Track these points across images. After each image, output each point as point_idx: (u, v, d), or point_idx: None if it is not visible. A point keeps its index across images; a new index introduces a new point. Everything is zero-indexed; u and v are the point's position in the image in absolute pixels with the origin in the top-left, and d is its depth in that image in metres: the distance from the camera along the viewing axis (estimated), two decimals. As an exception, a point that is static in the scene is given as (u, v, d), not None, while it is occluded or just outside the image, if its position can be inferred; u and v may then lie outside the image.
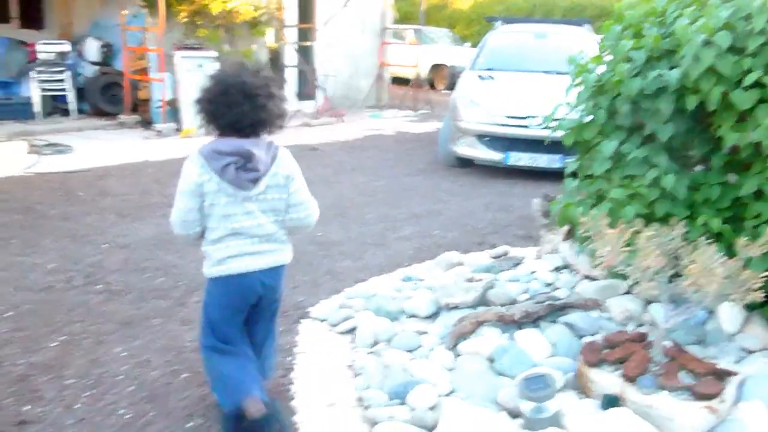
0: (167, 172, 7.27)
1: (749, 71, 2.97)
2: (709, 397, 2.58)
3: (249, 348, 2.71)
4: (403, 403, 2.85)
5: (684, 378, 2.70)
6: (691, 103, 3.17)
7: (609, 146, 3.54)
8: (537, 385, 2.58)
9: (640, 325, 3.46)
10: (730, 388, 2.69)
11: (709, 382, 2.65)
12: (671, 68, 3.30)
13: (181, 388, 3.04)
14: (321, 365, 3.28)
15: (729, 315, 3.32)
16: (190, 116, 9.53)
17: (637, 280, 2.71)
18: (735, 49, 3.04)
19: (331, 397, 2.96)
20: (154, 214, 5.75)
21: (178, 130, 9.55)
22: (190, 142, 8.94)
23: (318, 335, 3.61)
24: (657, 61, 3.39)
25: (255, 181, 2.53)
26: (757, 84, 2.98)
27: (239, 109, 2.48)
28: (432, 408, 2.78)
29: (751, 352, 3.19)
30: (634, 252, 2.73)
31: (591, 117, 3.82)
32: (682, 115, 3.36)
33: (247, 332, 2.74)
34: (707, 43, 3.04)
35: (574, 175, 4.09)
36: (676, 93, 3.25)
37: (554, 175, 7.34)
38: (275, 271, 2.69)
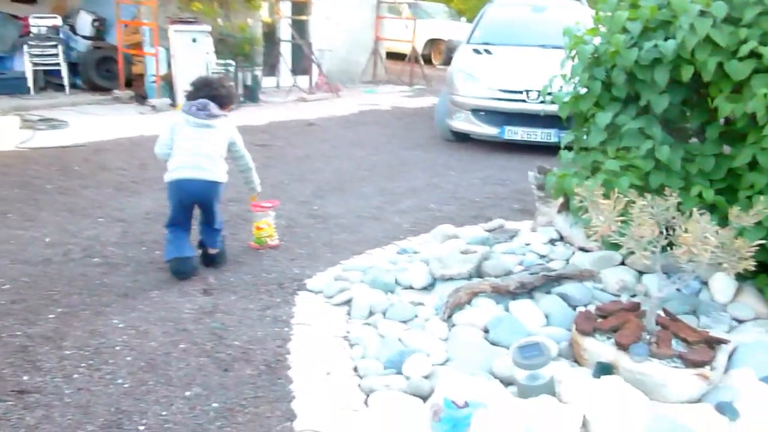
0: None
1: (745, 41, 2.97)
2: (700, 364, 2.62)
3: (189, 228, 4.09)
4: (398, 373, 2.88)
5: (676, 346, 2.74)
6: (687, 73, 3.18)
7: (604, 118, 3.55)
8: (531, 353, 2.61)
9: (634, 295, 3.50)
10: (722, 356, 2.73)
11: (701, 349, 2.69)
12: (667, 39, 3.29)
13: (180, 357, 3.06)
14: (317, 336, 3.30)
15: (721, 285, 3.37)
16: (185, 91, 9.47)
17: (631, 250, 2.73)
18: (731, 20, 3.05)
19: (328, 367, 2.99)
20: (151, 188, 5.75)
21: (173, 105, 9.48)
22: (186, 117, 8.91)
23: (314, 307, 3.63)
24: (653, 32, 3.39)
25: (208, 116, 4.00)
26: (753, 54, 2.98)
27: (204, 90, 4.14)
28: (427, 377, 2.81)
29: (741, 321, 3.24)
30: (627, 222, 2.75)
31: (586, 89, 3.82)
32: (677, 87, 3.37)
33: (201, 217, 4.14)
34: (703, 14, 3.04)
35: (569, 147, 4.10)
36: (671, 64, 3.25)
37: (552, 149, 7.33)
38: (210, 184, 3.97)
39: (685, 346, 2.76)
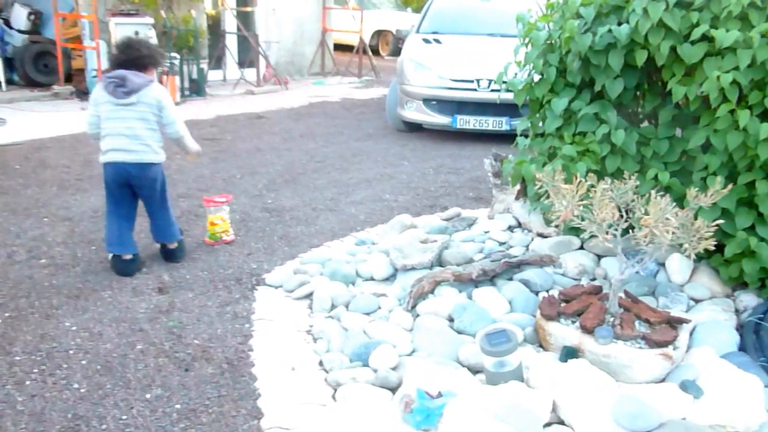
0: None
1: (696, 25, 3.01)
2: (663, 344, 2.65)
3: (130, 217, 3.95)
4: (365, 365, 2.84)
5: (639, 327, 2.77)
6: (641, 58, 3.21)
7: (560, 104, 3.56)
8: (498, 340, 2.60)
9: (593, 279, 3.54)
10: (683, 335, 2.77)
11: (663, 330, 2.73)
12: (619, 24, 3.32)
13: (138, 359, 2.96)
14: (279, 331, 3.23)
15: (678, 266, 3.42)
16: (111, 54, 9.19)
17: (592, 234, 2.74)
18: (682, 4, 3.08)
19: (292, 362, 2.92)
20: (96, 185, 5.56)
21: (117, 100, 9.19)
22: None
23: (274, 302, 3.56)
24: (605, 17, 3.41)
25: (127, 93, 3.75)
26: (704, 38, 3.03)
27: (126, 52, 3.88)
28: (394, 368, 2.78)
29: (698, 301, 3.30)
30: (588, 206, 2.77)
31: (540, 76, 3.83)
32: (630, 71, 3.40)
33: (145, 208, 4.00)
34: (655, -2, 3.06)
35: (525, 134, 4.11)
36: (625, 49, 3.28)
37: (503, 138, 7.40)
38: (141, 166, 3.82)
39: (648, 326, 2.79)
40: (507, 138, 7.44)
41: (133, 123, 3.78)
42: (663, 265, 3.50)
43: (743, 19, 2.92)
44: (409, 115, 7.79)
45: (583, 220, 2.78)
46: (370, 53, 13.58)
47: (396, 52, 16.57)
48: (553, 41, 3.68)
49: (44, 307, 3.43)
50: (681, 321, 2.82)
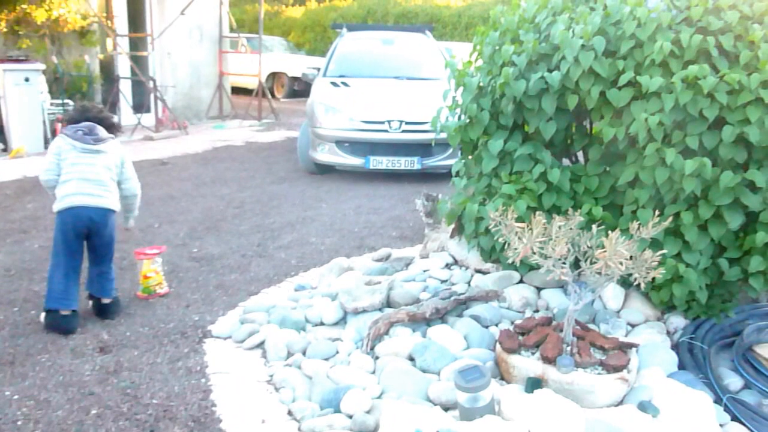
0: (4, 195, 6.65)
1: (623, 72, 3.29)
2: (620, 368, 2.83)
3: (78, 269, 3.82)
4: (336, 411, 2.85)
5: (595, 354, 2.94)
6: (572, 102, 3.45)
7: (496, 145, 3.75)
8: (472, 376, 2.68)
9: (536, 310, 3.71)
10: (634, 359, 2.96)
11: (617, 355, 2.91)
12: (549, 71, 3.56)
13: (96, 424, 2.81)
14: (239, 383, 3.17)
15: (612, 294, 3.66)
16: (20, 134, 8.76)
17: (549, 269, 2.90)
18: (608, 52, 3.36)
19: (261, 415, 2.88)
20: (2, 241, 5.24)
21: (6, 150, 8.73)
22: (23, 163, 8.23)
23: (226, 353, 3.49)
24: (536, 64, 3.65)
25: (96, 141, 3.86)
26: (629, 83, 3.31)
27: (93, 111, 4.02)
28: (368, 411, 2.80)
29: (634, 325, 3.54)
30: (543, 242, 2.93)
31: (471, 119, 4.01)
32: (561, 114, 3.64)
33: (92, 258, 3.92)
34: (584, 47, 3.32)
35: (457, 174, 4.28)
36: (557, 93, 3.52)
37: (412, 177, 7.60)
38: (104, 212, 3.81)
39: (602, 353, 2.97)
40: (418, 176, 7.67)
41: (99, 169, 3.83)
42: (594, 293, 3.72)
43: (663, 66, 3.22)
44: (321, 158, 7.84)
45: (543, 256, 2.93)
46: (270, 95, 13.58)
47: (292, 94, 16.68)
48: (484, 86, 3.88)
49: (-24, 376, 3.20)
50: (630, 345, 3.02)
